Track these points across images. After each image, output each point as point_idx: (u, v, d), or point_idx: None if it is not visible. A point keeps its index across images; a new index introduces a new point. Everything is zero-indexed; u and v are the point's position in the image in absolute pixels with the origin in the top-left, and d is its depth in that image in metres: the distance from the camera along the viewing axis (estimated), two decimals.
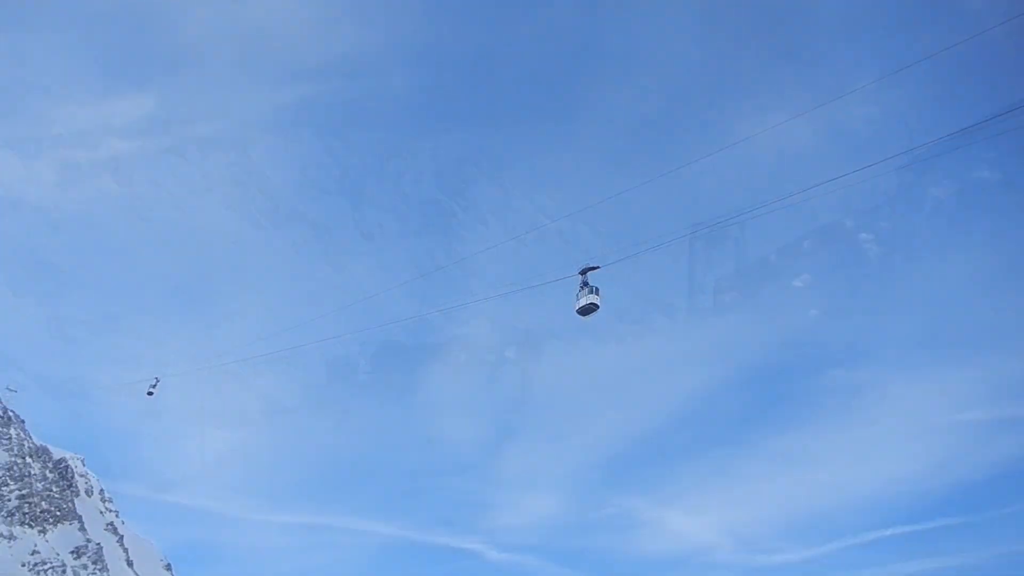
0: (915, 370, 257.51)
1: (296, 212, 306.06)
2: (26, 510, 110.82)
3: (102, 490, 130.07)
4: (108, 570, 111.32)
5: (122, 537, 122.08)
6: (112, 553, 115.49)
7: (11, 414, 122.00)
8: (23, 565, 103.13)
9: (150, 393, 58.38)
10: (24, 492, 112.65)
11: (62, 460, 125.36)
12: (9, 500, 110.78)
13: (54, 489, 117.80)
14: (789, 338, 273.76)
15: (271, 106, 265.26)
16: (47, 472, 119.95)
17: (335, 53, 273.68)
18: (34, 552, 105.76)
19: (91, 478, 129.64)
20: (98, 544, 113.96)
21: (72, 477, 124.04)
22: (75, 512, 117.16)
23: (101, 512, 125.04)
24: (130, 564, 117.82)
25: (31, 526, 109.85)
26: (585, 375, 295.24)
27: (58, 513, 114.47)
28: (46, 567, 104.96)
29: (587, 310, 34.27)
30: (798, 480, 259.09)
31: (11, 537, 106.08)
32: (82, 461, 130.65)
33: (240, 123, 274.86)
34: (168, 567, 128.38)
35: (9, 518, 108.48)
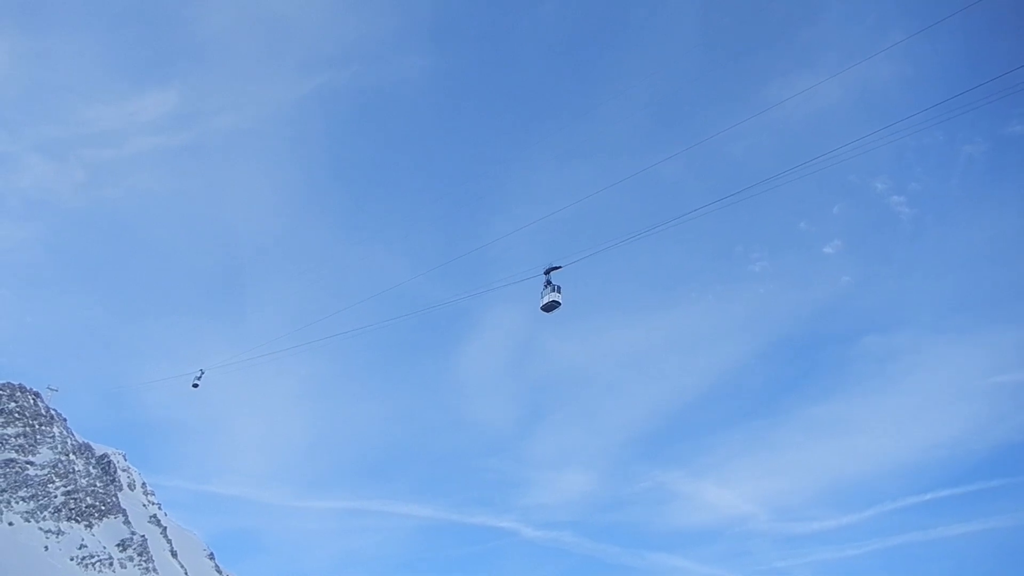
0: (951, 333, 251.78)
1: (323, 200, 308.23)
2: (72, 506, 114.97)
3: (144, 483, 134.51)
4: (153, 561, 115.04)
5: (165, 528, 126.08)
6: (156, 544, 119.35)
7: (53, 413, 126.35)
8: (72, 559, 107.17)
9: (195, 385, 59.96)
10: (69, 488, 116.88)
11: (104, 456, 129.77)
12: (56, 496, 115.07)
13: (98, 484, 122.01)
14: (821, 306, 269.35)
15: (292, 96, 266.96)
16: (91, 468, 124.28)
17: (352, 40, 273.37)
18: (82, 546, 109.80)
19: (133, 472, 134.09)
20: (143, 536, 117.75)
21: (115, 472, 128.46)
22: (119, 506, 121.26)
23: (144, 505, 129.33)
24: (174, 555, 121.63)
25: (78, 521, 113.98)
26: (615, 351, 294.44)
27: (103, 507, 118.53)
28: (94, 560, 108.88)
29: (550, 307, 36.87)
30: (834, 448, 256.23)
31: (59, 532, 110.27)
32: (124, 456, 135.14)
33: (262, 114, 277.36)
34: (211, 556, 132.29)
35: (56, 514, 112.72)
